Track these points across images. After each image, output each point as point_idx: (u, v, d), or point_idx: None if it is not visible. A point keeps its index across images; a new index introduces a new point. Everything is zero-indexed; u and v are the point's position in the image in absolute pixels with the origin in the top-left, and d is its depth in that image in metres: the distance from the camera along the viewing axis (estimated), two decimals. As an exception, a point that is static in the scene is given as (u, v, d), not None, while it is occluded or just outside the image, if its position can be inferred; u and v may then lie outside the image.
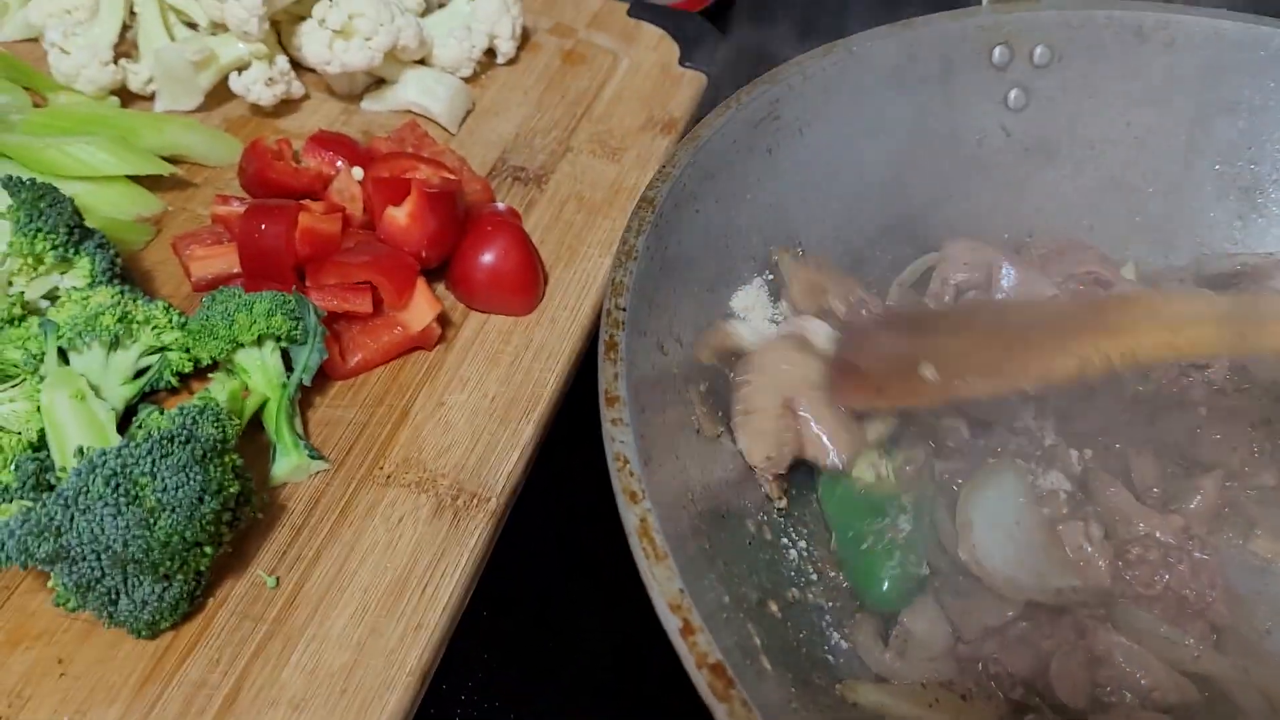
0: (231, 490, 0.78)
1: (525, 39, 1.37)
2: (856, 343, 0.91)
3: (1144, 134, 1.05)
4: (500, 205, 1.11)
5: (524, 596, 0.96)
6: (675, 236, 0.81)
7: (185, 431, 0.76)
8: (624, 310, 0.73)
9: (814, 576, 0.83)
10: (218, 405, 0.83)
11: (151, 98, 1.21)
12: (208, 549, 0.78)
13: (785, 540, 0.84)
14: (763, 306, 0.93)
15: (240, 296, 0.91)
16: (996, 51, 1.02)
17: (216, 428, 0.79)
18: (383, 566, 0.83)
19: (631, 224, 0.78)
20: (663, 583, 0.59)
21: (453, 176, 1.08)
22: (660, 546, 0.60)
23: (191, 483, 0.74)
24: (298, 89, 1.24)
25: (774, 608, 0.77)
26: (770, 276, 0.94)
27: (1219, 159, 1.05)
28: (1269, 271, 0.99)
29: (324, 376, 0.95)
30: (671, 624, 0.58)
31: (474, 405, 0.96)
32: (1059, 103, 1.05)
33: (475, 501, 0.88)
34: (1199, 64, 1.02)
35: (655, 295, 0.78)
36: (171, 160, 1.12)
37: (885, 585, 0.80)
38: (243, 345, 0.90)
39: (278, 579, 0.82)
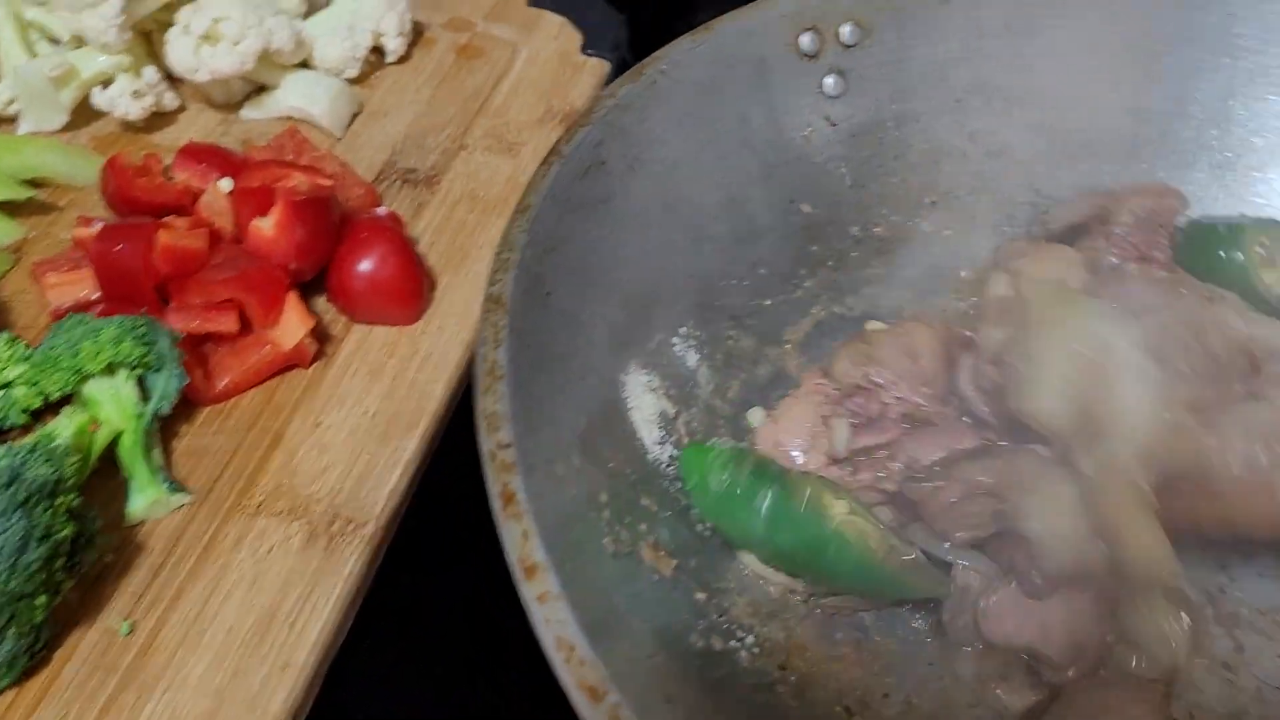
0: (63, 534, 0.67)
1: (418, 35, 1.20)
2: None
3: (963, 95, 0.94)
4: (381, 210, 0.97)
5: (410, 627, 0.86)
6: (535, 332, 0.65)
7: (8, 474, 0.66)
8: (509, 447, 0.55)
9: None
10: (51, 442, 0.71)
11: (15, 119, 1.04)
12: (40, 599, 0.66)
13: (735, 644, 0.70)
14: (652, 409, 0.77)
15: (87, 323, 0.79)
16: (805, 39, 0.87)
17: (49, 467, 0.68)
18: (248, 604, 0.72)
19: (486, 334, 0.60)
20: None
21: (326, 183, 0.95)
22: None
23: (12, 529, 0.64)
24: (170, 100, 1.07)
25: None
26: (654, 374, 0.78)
27: (1039, 108, 0.95)
28: (1112, 210, 0.92)
29: (190, 403, 0.82)
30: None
31: (353, 424, 0.84)
32: (876, 80, 0.92)
33: (351, 527, 0.77)
34: (1004, 14, 0.92)
35: (535, 412, 0.61)
36: (35, 183, 0.98)
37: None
38: (91, 375, 0.78)
39: (132, 625, 0.71)
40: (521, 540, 0.53)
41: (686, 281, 0.83)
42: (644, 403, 0.77)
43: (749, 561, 0.74)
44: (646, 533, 0.70)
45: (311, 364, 0.89)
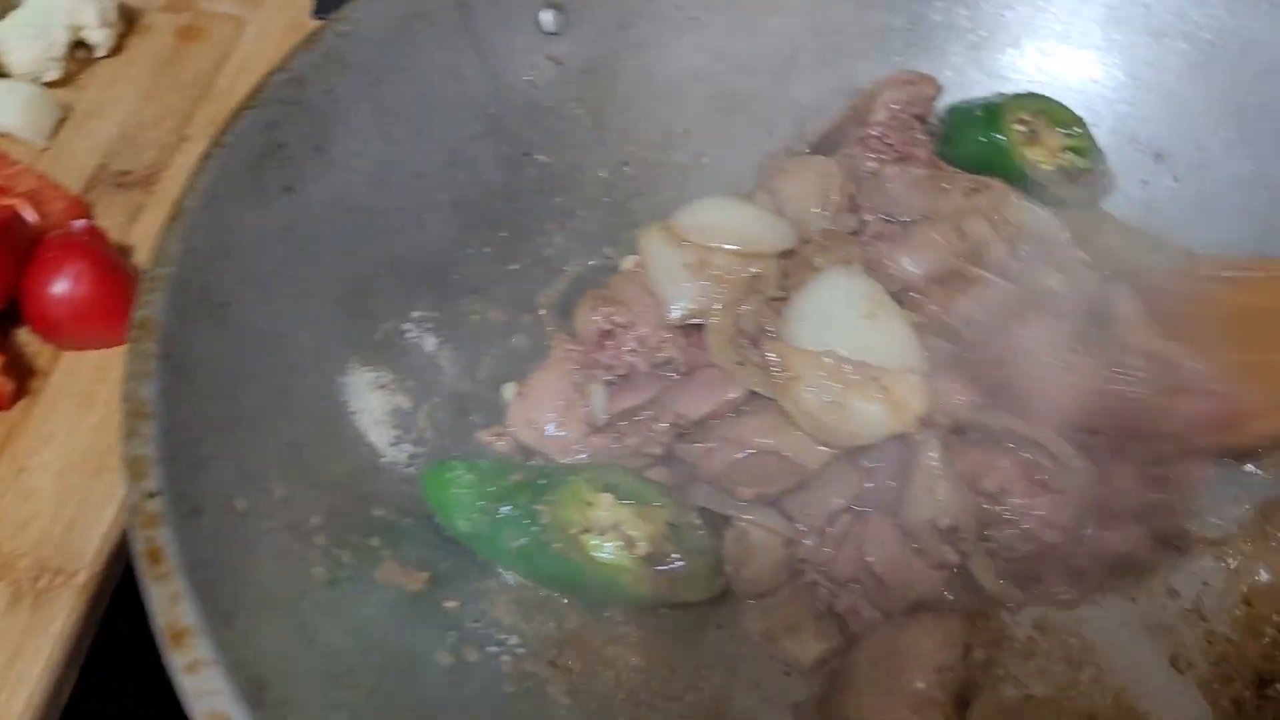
0: None
1: (131, 23, 1.10)
2: None
3: (697, 11, 0.88)
4: (78, 224, 0.87)
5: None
6: (204, 354, 0.57)
7: None
8: (157, 496, 0.49)
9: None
10: None
11: None
12: None
13: (493, 648, 0.65)
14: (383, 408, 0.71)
15: None
16: (504, -29, 0.78)
17: None
18: (-54, 684, 0.63)
19: (131, 368, 0.53)
20: None
21: (9, 202, 0.85)
22: None
23: None
24: None
25: None
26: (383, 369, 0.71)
27: (781, 13, 0.90)
28: (866, 110, 0.88)
29: None
30: None
31: (62, 463, 0.77)
32: (598, 8, 0.85)
33: (60, 579, 0.71)
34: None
35: (200, 446, 0.54)
36: None
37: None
38: None
39: None
40: (168, 604, 0.46)
41: (413, 260, 0.76)
42: (371, 403, 0.70)
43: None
44: (382, 547, 0.64)
45: (13, 404, 0.80)
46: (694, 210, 0.79)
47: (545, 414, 0.74)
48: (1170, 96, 0.91)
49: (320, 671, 0.52)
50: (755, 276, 0.74)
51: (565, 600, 0.69)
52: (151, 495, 0.50)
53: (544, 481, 0.68)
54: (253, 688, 0.45)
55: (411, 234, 0.77)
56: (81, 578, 0.71)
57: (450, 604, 0.66)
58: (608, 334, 0.74)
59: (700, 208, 0.79)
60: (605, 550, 0.65)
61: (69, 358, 0.84)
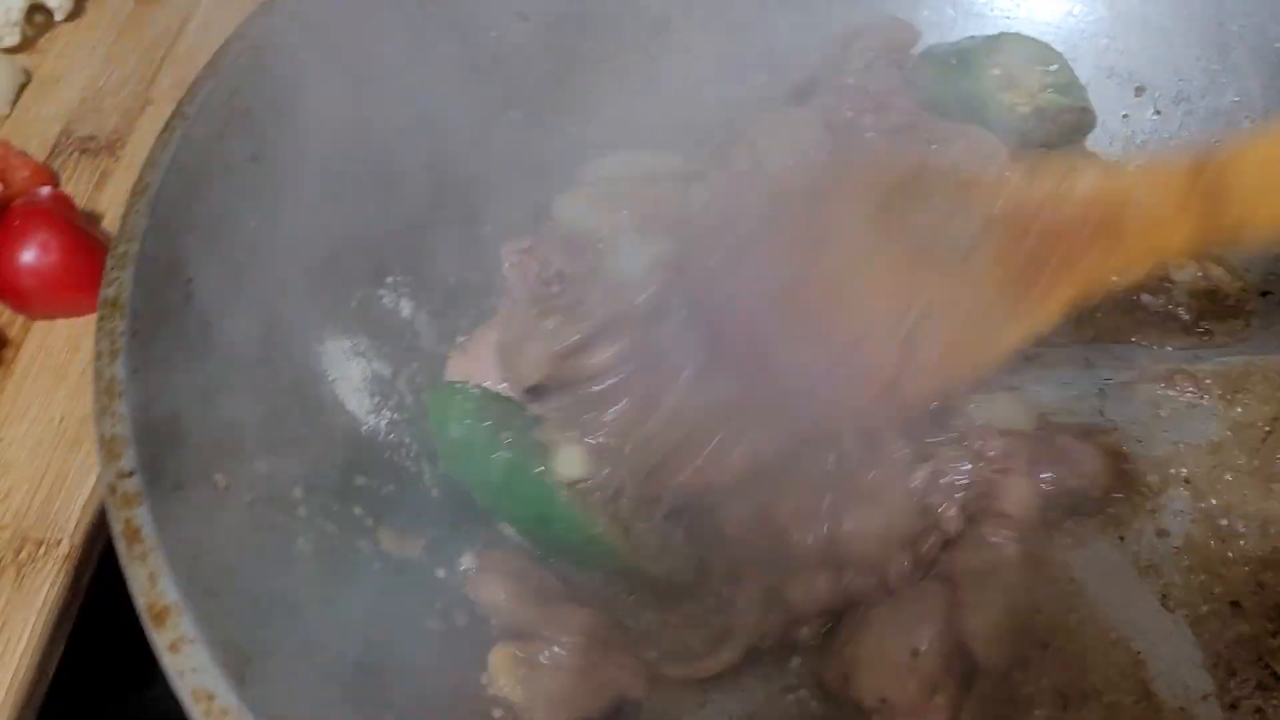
0: None
1: None
2: None
3: None
4: (44, 191, 0.86)
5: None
6: (175, 328, 0.57)
7: None
8: (132, 475, 0.49)
9: None
10: None
11: None
12: None
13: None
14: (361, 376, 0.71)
15: None
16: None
17: None
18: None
19: (100, 347, 0.53)
20: None
21: None
22: None
23: None
24: None
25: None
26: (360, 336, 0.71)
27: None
28: (843, 58, 0.87)
29: None
30: None
31: (38, 435, 0.77)
32: None
33: (42, 550, 0.71)
34: None
35: (177, 422, 0.54)
36: None
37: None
38: None
39: None
40: (149, 583, 0.47)
41: (385, 225, 0.76)
42: (349, 371, 0.70)
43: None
44: (365, 516, 0.64)
45: None
46: (594, 165, 0.83)
47: (484, 370, 0.73)
48: (1150, 28, 0.91)
49: (306, 645, 0.52)
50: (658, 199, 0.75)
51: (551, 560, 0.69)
52: (127, 475, 0.50)
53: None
54: (237, 664, 0.46)
55: (383, 199, 0.76)
56: (64, 548, 0.71)
57: (440, 571, 0.66)
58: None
59: (600, 162, 0.83)
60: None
61: (40, 327, 0.84)
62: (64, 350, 0.82)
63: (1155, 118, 0.90)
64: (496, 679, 0.62)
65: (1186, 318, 0.81)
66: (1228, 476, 0.74)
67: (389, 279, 0.76)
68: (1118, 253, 0.57)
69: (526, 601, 0.64)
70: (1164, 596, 0.69)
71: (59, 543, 0.72)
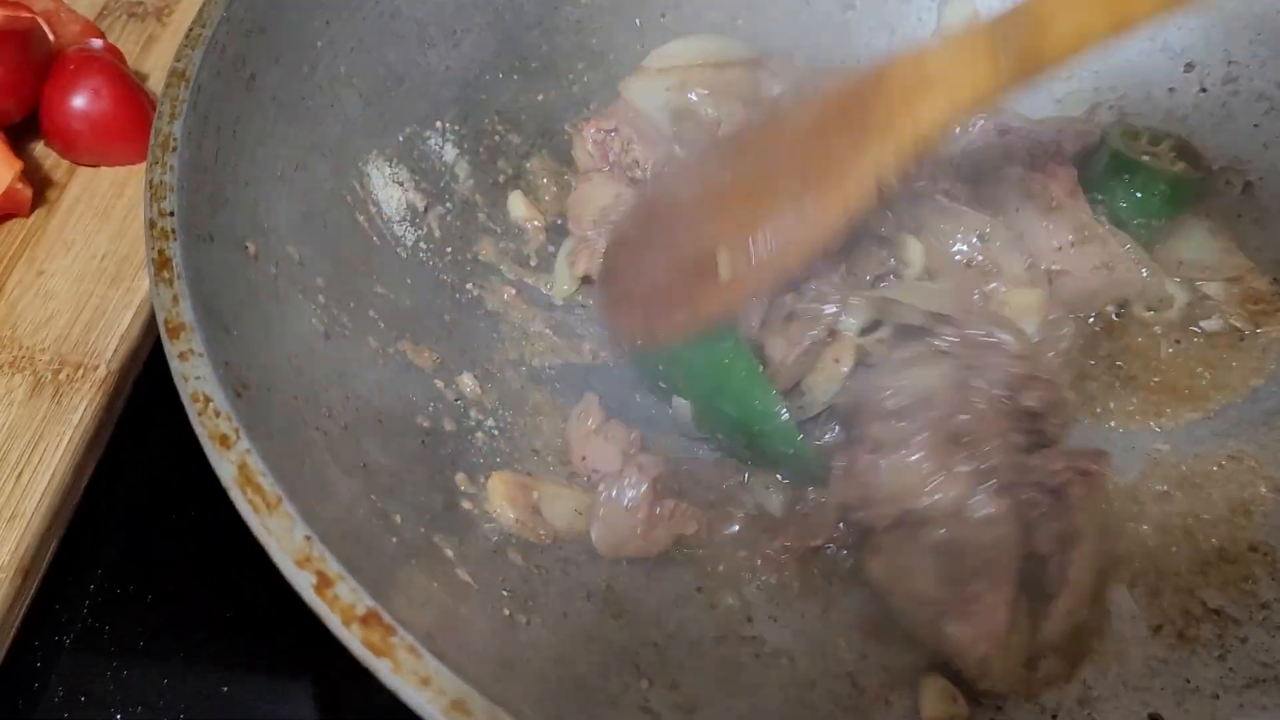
0: None
1: None
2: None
3: None
4: (96, 43, 0.89)
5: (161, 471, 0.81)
6: (231, 112, 0.62)
7: None
8: (171, 215, 0.54)
9: (507, 448, 0.70)
10: None
11: None
12: None
13: (471, 424, 0.70)
14: (403, 193, 0.76)
15: None
16: None
17: None
18: (-32, 458, 0.68)
19: (163, 108, 0.58)
20: (281, 536, 0.44)
21: (26, 15, 0.86)
22: (272, 491, 0.45)
23: None
24: None
25: (467, 505, 0.65)
26: (402, 167, 0.76)
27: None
28: None
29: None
30: (302, 582, 0.43)
31: (80, 269, 0.81)
32: None
33: (80, 373, 0.75)
34: None
35: (220, 189, 0.59)
36: None
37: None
38: None
39: None
40: (171, 304, 0.52)
41: (443, 73, 0.81)
42: (386, 195, 0.75)
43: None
44: (378, 319, 0.69)
45: (32, 211, 0.84)
46: (661, 51, 0.87)
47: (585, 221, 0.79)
48: (1209, 8, 0.92)
49: (302, 397, 0.57)
50: (729, 83, 0.78)
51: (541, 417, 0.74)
52: (167, 215, 0.55)
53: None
54: (235, 383, 0.50)
55: (445, 48, 0.81)
56: (101, 373, 0.76)
57: (439, 383, 0.71)
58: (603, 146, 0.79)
59: (667, 48, 0.87)
60: None
61: (85, 173, 0.87)
62: (109, 194, 0.86)
63: (1199, 94, 0.91)
64: (492, 499, 0.66)
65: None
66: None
67: (438, 123, 0.80)
68: (927, 109, 0.61)
69: (611, 441, 0.68)
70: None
71: (96, 368, 0.76)
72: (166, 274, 0.53)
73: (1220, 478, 0.72)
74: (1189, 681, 0.63)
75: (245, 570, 0.72)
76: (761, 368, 0.68)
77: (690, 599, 0.66)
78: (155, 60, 0.96)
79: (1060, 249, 0.76)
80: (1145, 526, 0.71)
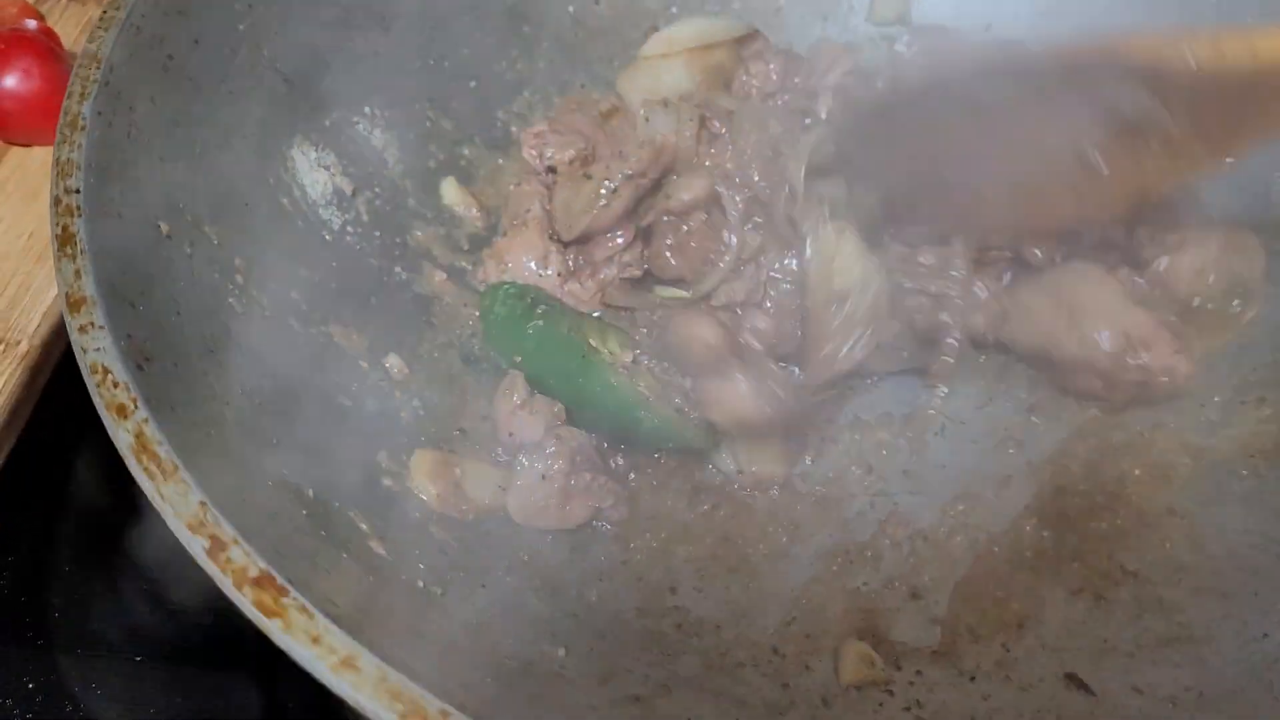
0: None
1: None
2: None
3: None
4: (31, 24, 0.89)
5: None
6: (146, 92, 0.61)
7: None
8: (77, 193, 0.54)
9: (433, 428, 0.71)
10: None
11: None
12: None
13: (395, 404, 0.70)
14: (329, 177, 0.76)
15: None
16: None
17: None
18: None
19: (73, 88, 0.58)
20: (176, 502, 0.44)
21: None
22: (168, 460, 0.45)
23: None
24: None
25: (388, 482, 0.65)
26: (328, 152, 0.75)
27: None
28: None
29: None
30: (196, 547, 0.43)
31: (6, 247, 0.81)
32: None
33: (2, 348, 0.75)
34: None
35: (129, 168, 0.59)
36: None
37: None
38: None
39: None
40: (73, 278, 0.52)
41: (371, 58, 0.81)
42: (314, 179, 0.75)
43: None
44: (301, 302, 0.69)
45: None
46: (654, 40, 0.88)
47: (523, 258, 0.79)
48: None
49: (213, 374, 0.57)
50: (718, 65, 0.80)
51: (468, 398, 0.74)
52: (73, 191, 0.55)
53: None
54: (137, 355, 0.50)
55: (373, 33, 0.81)
56: (23, 348, 0.76)
57: (363, 363, 0.71)
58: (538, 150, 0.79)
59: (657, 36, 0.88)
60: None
61: (17, 152, 0.88)
62: (38, 173, 0.86)
63: None
64: (414, 476, 0.66)
65: None
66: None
67: (366, 108, 0.80)
68: None
69: (536, 414, 0.69)
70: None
71: (18, 343, 0.76)
72: (70, 249, 0.53)
73: (1141, 445, 0.73)
74: (1106, 641, 0.63)
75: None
76: (614, 380, 0.70)
77: (615, 572, 0.67)
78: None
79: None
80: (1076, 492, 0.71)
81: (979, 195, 0.74)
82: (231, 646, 0.71)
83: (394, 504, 0.64)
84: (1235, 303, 0.75)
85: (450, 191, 0.82)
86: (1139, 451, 0.73)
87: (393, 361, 0.72)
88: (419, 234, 0.80)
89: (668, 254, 0.77)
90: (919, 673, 0.63)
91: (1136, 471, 0.72)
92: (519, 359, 0.74)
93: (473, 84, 0.87)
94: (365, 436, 0.66)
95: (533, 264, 0.79)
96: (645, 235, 0.79)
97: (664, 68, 0.86)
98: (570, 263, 0.80)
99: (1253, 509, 0.68)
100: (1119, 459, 0.73)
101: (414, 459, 0.67)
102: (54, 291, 0.78)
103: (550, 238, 0.80)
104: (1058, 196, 0.71)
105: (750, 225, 0.76)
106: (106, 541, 0.76)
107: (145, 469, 0.46)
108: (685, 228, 0.77)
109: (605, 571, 0.66)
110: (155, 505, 0.45)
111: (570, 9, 0.92)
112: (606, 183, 0.77)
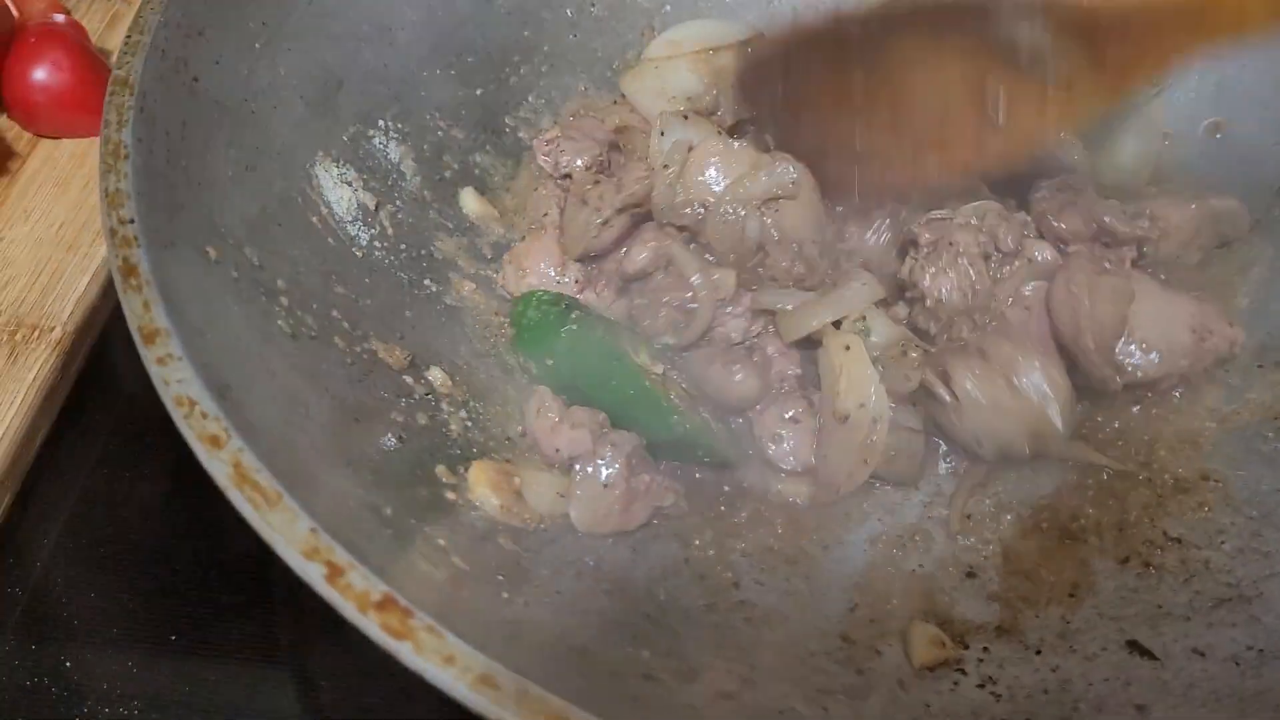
0: None
1: None
2: None
3: None
4: (59, 17, 0.89)
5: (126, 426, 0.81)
6: (177, 116, 0.61)
7: None
8: (131, 223, 0.53)
9: (482, 438, 0.71)
10: None
11: None
12: None
13: (444, 416, 0.69)
14: (353, 193, 0.75)
15: None
16: None
17: None
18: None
19: (109, 116, 0.57)
20: (286, 530, 0.44)
21: None
22: (270, 488, 0.45)
23: None
24: None
25: (451, 495, 0.64)
26: (349, 167, 0.75)
27: None
28: None
29: None
30: (313, 573, 0.43)
31: (38, 236, 0.82)
32: None
33: (36, 334, 0.76)
34: None
35: (173, 194, 0.58)
36: None
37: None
38: None
39: None
40: (143, 309, 0.51)
41: (380, 71, 0.80)
42: (337, 195, 0.74)
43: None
44: (342, 319, 0.68)
45: None
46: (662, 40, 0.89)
47: (541, 264, 0.80)
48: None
49: (279, 397, 0.56)
50: (724, 67, 0.82)
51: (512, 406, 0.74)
52: (127, 221, 0.54)
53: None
54: (217, 384, 0.50)
55: (380, 46, 0.80)
56: (56, 334, 0.76)
57: (408, 379, 0.70)
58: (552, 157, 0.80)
59: (662, 38, 0.89)
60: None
61: (46, 144, 0.88)
62: (69, 165, 0.86)
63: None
64: (474, 489, 0.66)
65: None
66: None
67: (381, 121, 0.80)
68: (1200, 32, 0.60)
69: (579, 427, 0.69)
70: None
71: (52, 329, 0.76)
72: (134, 280, 0.52)
73: (1168, 412, 0.75)
74: (1160, 607, 0.65)
75: (209, 541, 0.73)
76: (648, 382, 0.71)
77: (678, 570, 0.67)
78: (119, 37, 0.95)
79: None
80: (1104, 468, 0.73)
81: (883, 148, 0.73)
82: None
83: (460, 517, 0.63)
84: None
85: (469, 201, 0.82)
86: (1164, 421, 0.75)
87: (435, 375, 0.71)
88: (443, 245, 0.79)
89: (644, 313, 0.76)
90: (986, 649, 0.64)
91: (1165, 440, 0.74)
92: (550, 362, 0.74)
93: (479, 92, 0.87)
94: (422, 451, 0.66)
95: (551, 271, 0.80)
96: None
97: (669, 70, 0.87)
98: (586, 272, 0.80)
99: (1281, 469, 0.71)
100: (1144, 429, 0.75)
101: (472, 471, 0.66)
102: (86, 279, 0.80)
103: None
104: (960, 145, 0.71)
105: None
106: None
107: (249, 499, 0.45)
108: (651, 284, 0.77)
109: (669, 570, 0.67)
110: (263, 535, 0.45)
111: (568, 11, 0.92)
112: (599, 212, 0.77)
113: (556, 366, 0.73)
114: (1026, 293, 0.74)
